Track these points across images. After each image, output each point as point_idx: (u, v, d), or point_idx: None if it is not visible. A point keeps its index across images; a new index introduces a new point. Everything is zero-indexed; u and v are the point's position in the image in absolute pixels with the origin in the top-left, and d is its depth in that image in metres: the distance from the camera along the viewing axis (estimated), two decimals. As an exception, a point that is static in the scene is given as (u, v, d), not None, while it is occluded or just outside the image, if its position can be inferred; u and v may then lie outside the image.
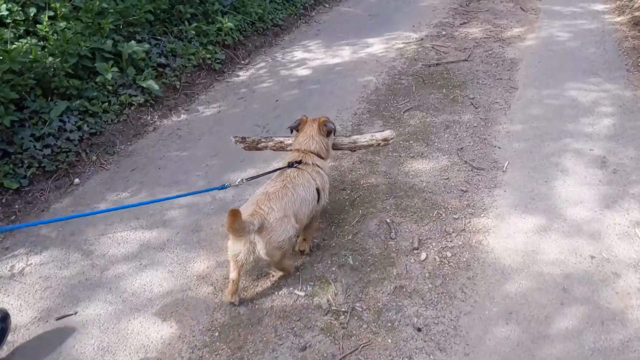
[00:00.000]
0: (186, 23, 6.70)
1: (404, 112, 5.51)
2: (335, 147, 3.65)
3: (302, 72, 6.77)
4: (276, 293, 3.19)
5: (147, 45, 5.88)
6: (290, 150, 3.49)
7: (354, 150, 3.85)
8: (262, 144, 3.68)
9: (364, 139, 3.63)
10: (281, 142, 3.66)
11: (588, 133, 4.95)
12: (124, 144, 5.09)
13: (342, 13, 9.42)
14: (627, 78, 6.11)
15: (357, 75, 6.55)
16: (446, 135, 5.01)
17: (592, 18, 8.53)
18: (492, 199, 4.04)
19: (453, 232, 3.67)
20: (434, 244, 3.57)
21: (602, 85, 5.97)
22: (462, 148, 4.77)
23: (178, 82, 6.10)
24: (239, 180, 3.11)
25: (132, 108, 5.44)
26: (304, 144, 3.34)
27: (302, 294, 3.17)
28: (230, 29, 6.97)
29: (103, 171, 4.66)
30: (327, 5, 9.73)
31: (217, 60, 6.74)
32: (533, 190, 4.13)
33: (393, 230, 3.68)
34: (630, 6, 8.79)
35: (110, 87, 5.37)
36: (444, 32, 7.98)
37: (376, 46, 7.56)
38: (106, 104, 5.26)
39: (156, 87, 5.54)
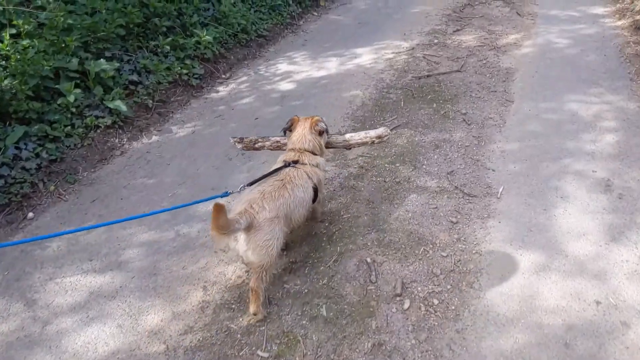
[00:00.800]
0: (161, 37, 6.32)
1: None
2: (330, 145, 3.61)
3: (285, 86, 6.39)
4: (236, 354, 2.79)
5: (116, 63, 5.51)
6: (285, 150, 3.46)
7: (349, 148, 3.78)
8: (259, 144, 3.67)
9: (358, 136, 3.58)
10: (277, 141, 3.63)
11: (590, 152, 4.55)
12: (87, 170, 4.70)
13: (330, 22, 9.05)
14: (630, 88, 5.71)
15: (343, 89, 6.17)
16: (435, 157, 4.62)
17: (592, 22, 8.13)
18: (485, 231, 3.64)
19: (441, 273, 3.27)
20: (419, 288, 3.17)
21: (603, 96, 5.57)
22: (452, 171, 4.37)
23: (151, 101, 5.72)
24: (241, 186, 2.99)
25: (99, 131, 5.06)
26: (297, 143, 3.32)
27: (266, 355, 2.76)
28: (209, 42, 6.59)
29: (61, 202, 4.27)
30: (315, 14, 9.37)
31: (195, 76, 6.37)
32: (530, 220, 3.73)
33: (374, 272, 3.28)
34: (631, 9, 8.40)
35: (74, 109, 5.00)
36: (436, 41, 7.59)
37: (365, 57, 7.18)
38: (69, 127, 4.89)
39: (124, 107, 5.16)
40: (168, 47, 6.25)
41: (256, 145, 3.67)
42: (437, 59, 6.88)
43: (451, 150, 4.71)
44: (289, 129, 3.45)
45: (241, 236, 2.74)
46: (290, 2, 8.88)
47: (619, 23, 7.98)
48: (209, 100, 6.14)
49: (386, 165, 4.53)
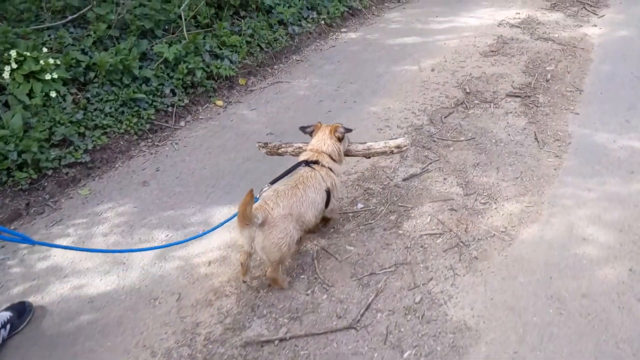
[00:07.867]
0: None
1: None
2: (349, 153, 3.67)
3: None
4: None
5: None
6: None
7: (369, 157, 3.89)
8: (282, 149, 3.74)
9: (377, 145, 3.65)
10: (300, 147, 3.67)
11: None
12: None
13: (229, 125, 5.59)
14: None
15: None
16: None
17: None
18: None
19: None
20: None
21: None
22: None
23: None
24: (265, 187, 3.19)
25: None
26: (316, 145, 3.46)
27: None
28: None
29: None
30: (219, 104, 5.96)
31: None
32: None
33: None
34: None
35: None
36: (348, 225, 4.06)
37: (199, 257, 3.79)
38: None
39: None
40: None
41: (279, 151, 3.74)
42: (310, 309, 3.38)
43: None
44: (310, 133, 3.57)
45: (258, 233, 2.86)
46: (167, 92, 5.57)
47: None
48: None
49: None
